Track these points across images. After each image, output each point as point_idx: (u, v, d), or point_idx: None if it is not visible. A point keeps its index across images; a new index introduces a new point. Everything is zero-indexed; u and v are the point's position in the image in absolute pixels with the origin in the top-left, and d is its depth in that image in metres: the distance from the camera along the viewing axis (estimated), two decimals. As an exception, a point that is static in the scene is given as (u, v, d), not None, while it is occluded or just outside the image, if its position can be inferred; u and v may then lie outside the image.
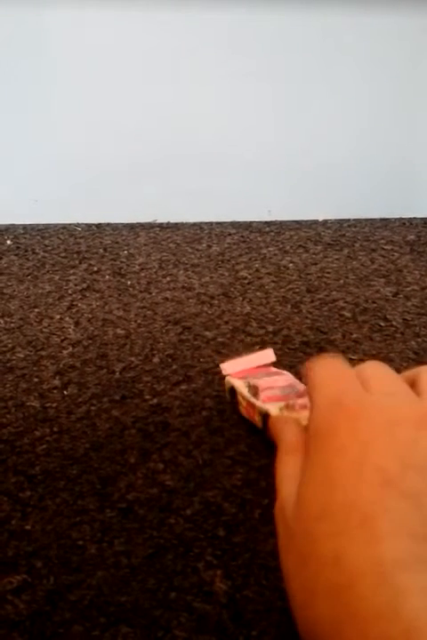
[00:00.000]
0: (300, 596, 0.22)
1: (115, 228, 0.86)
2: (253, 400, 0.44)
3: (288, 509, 0.25)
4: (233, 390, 0.48)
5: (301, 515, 0.24)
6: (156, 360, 0.55)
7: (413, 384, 0.28)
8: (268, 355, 0.51)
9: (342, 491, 0.22)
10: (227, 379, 0.49)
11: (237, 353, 0.57)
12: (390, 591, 0.19)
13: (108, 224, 0.88)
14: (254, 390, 0.45)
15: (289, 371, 0.54)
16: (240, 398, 0.46)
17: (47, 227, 0.86)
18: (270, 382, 0.46)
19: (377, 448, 0.23)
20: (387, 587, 0.19)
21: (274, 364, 0.51)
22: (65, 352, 0.56)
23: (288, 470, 0.27)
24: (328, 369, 0.29)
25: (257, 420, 0.44)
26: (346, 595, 0.20)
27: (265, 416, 0.43)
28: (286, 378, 0.47)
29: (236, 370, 0.49)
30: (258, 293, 0.69)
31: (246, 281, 0.72)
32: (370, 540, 0.21)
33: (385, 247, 0.83)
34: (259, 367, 0.50)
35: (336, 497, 0.23)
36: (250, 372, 0.49)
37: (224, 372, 0.49)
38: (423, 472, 0.22)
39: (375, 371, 0.28)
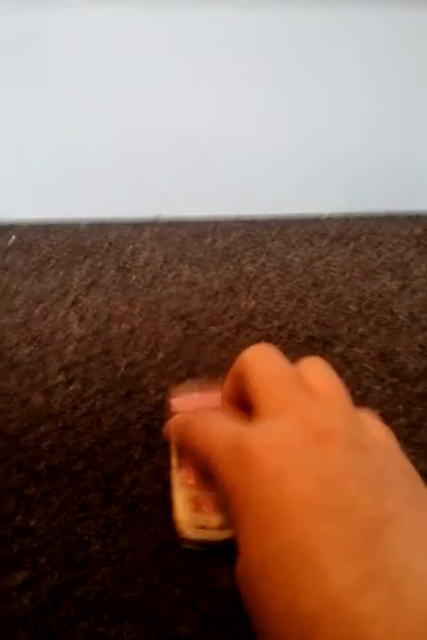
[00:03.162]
0: None
1: (119, 223, 0.86)
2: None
3: (239, 573, 0.23)
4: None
5: (245, 580, 0.23)
6: (160, 356, 0.55)
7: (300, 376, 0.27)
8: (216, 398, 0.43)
9: (274, 536, 0.21)
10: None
11: (241, 348, 0.56)
12: (351, 626, 0.18)
13: (113, 220, 0.87)
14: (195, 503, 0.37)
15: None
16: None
17: (52, 223, 0.85)
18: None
19: (289, 477, 0.22)
20: (346, 622, 0.18)
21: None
22: (69, 348, 0.56)
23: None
24: (205, 418, 0.27)
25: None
26: None
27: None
28: None
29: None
30: (263, 288, 0.68)
31: (252, 276, 0.71)
32: (316, 578, 0.20)
33: (391, 241, 0.83)
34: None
35: (271, 546, 0.21)
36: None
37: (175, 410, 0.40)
38: (338, 485, 0.21)
39: (258, 379, 0.27)
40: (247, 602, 0.23)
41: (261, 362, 0.28)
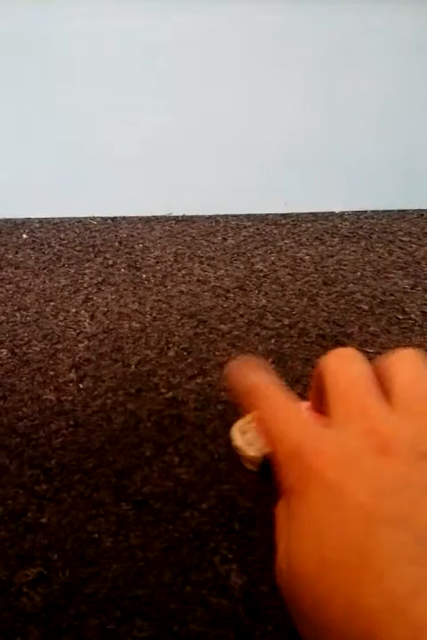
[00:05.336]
0: None
1: (130, 221, 0.86)
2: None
3: (285, 571, 0.24)
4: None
5: (299, 577, 0.23)
6: (171, 353, 0.55)
7: (383, 378, 0.27)
8: None
9: (332, 541, 0.22)
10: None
11: (252, 346, 0.56)
12: (410, 626, 0.19)
13: (124, 217, 0.87)
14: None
15: (305, 364, 0.54)
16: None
17: (63, 220, 0.86)
18: None
19: (348, 487, 0.23)
20: (405, 623, 0.19)
21: None
22: (81, 345, 0.56)
23: (280, 524, 0.26)
24: (279, 411, 0.28)
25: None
26: None
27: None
28: None
29: None
30: (274, 286, 0.68)
31: (262, 274, 0.71)
32: (375, 579, 0.20)
33: (403, 239, 0.82)
34: None
35: (329, 549, 0.22)
36: None
37: None
38: (395, 495, 0.22)
39: (335, 384, 0.27)
40: (296, 601, 0.23)
41: (341, 365, 0.28)
